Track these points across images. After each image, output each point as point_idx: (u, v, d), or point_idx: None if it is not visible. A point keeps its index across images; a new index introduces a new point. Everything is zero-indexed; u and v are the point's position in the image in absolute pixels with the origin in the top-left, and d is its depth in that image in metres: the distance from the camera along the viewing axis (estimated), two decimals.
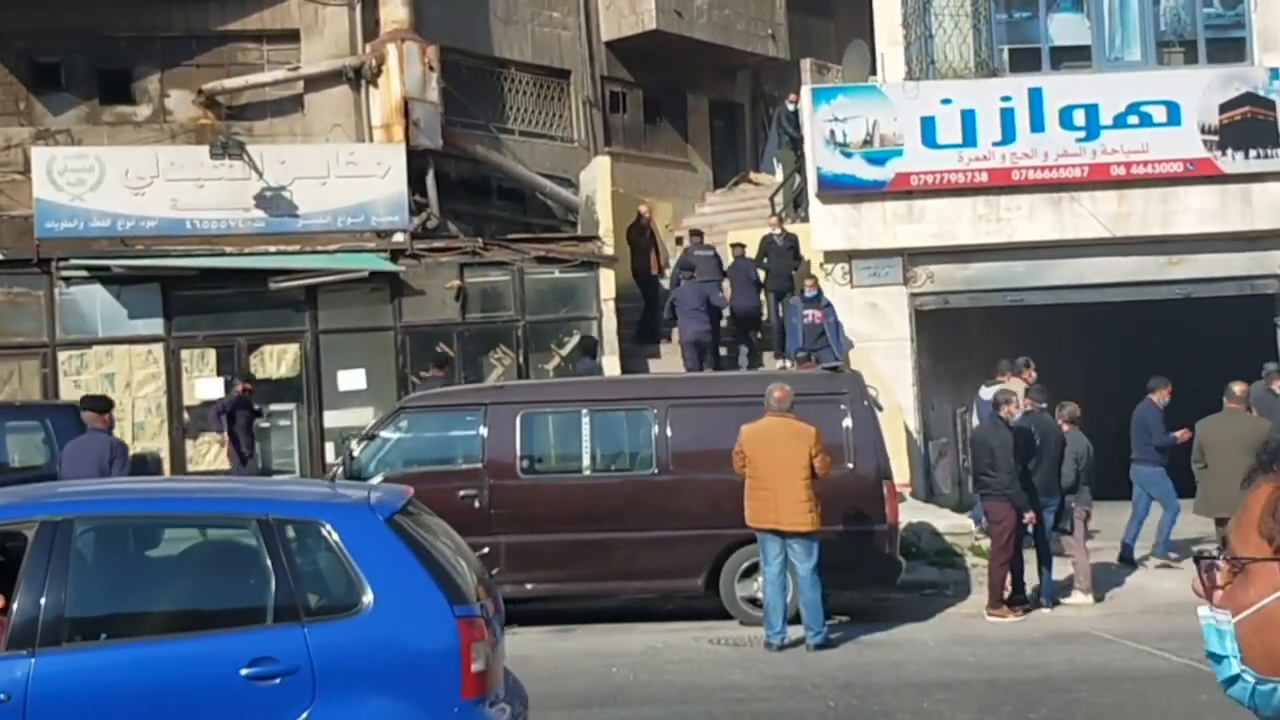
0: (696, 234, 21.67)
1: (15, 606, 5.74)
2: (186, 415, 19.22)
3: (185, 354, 19.35)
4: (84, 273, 18.86)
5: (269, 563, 5.91)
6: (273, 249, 19.48)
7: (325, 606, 6.03)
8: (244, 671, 5.69)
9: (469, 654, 5.84)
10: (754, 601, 12.54)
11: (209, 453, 19.20)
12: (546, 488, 13.37)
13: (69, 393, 18.15)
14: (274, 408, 19.70)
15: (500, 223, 22.36)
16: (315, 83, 21.26)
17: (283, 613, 5.89)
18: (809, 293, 18.08)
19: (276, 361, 19.66)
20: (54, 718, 5.59)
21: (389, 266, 19.43)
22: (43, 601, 5.70)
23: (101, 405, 12.59)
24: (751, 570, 12.63)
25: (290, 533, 6.03)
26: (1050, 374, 16.79)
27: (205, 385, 19.34)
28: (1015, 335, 20.11)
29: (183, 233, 19.18)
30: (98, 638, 5.99)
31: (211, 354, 19.48)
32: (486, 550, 12.48)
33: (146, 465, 16.60)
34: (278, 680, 5.71)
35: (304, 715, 5.71)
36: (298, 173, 19.38)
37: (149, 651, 5.88)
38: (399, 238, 19.77)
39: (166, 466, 18.36)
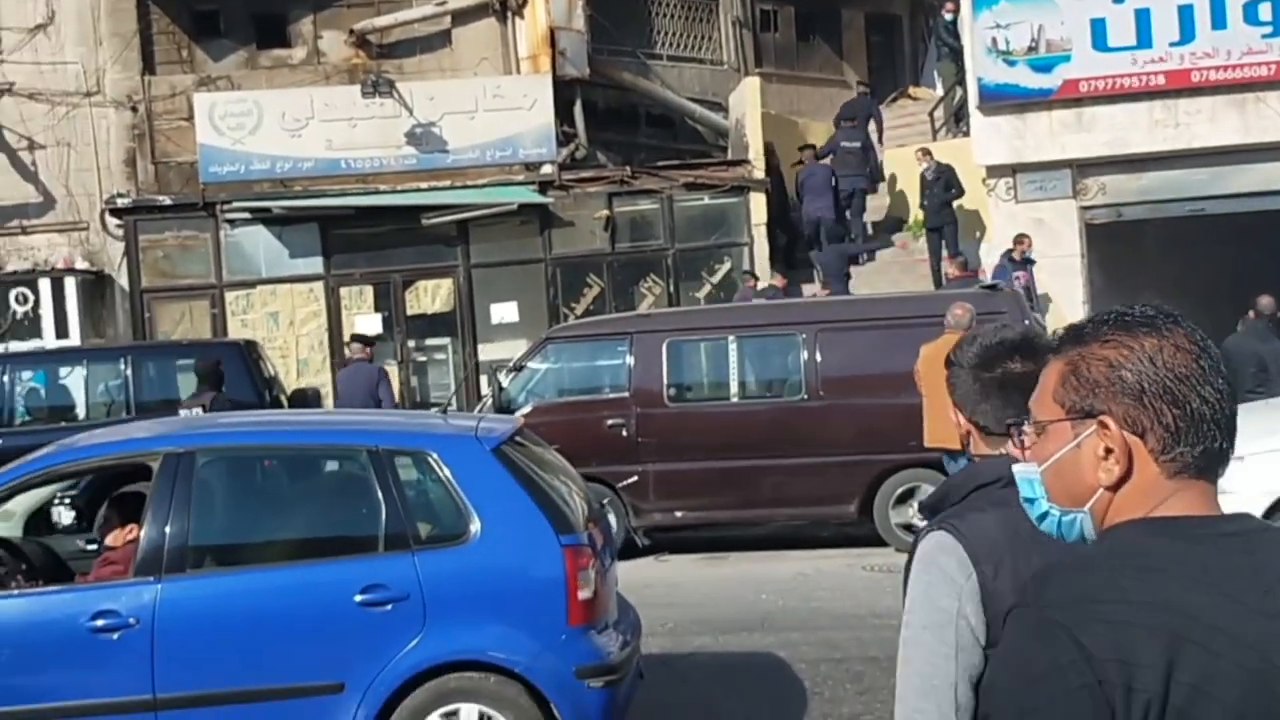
0: (849, 119, 21.29)
1: (142, 534, 6.00)
2: (347, 351, 19.62)
3: (344, 291, 19.81)
4: (246, 215, 19.38)
5: (379, 493, 6.06)
6: (424, 185, 19.75)
7: (434, 535, 6.19)
8: (357, 598, 5.89)
9: (575, 582, 5.93)
10: (908, 528, 12.34)
11: None
12: (694, 416, 13.33)
13: (236, 331, 18.79)
14: (429, 342, 20.07)
15: (649, 150, 22.20)
16: (462, 17, 21.36)
17: (393, 541, 6.06)
18: (1019, 255, 17.34)
19: (431, 296, 20.00)
20: (178, 641, 5.84)
21: (538, 199, 19.53)
22: (167, 530, 5.96)
23: (366, 339, 14.45)
24: (906, 496, 12.47)
25: (399, 463, 6.17)
26: (1236, 289, 15.94)
27: (364, 321, 19.77)
28: (1197, 248, 19.14)
29: (338, 172, 19.58)
30: (219, 564, 6.25)
31: (369, 290, 19.90)
32: (635, 479, 12.82)
33: (307, 399, 17.07)
34: (389, 606, 5.89)
35: (415, 640, 5.88)
36: (446, 108, 19.58)
37: (267, 578, 6.11)
38: (547, 169, 19.84)
39: (330, 402, 18.83)
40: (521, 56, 21.03)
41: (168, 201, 19.56)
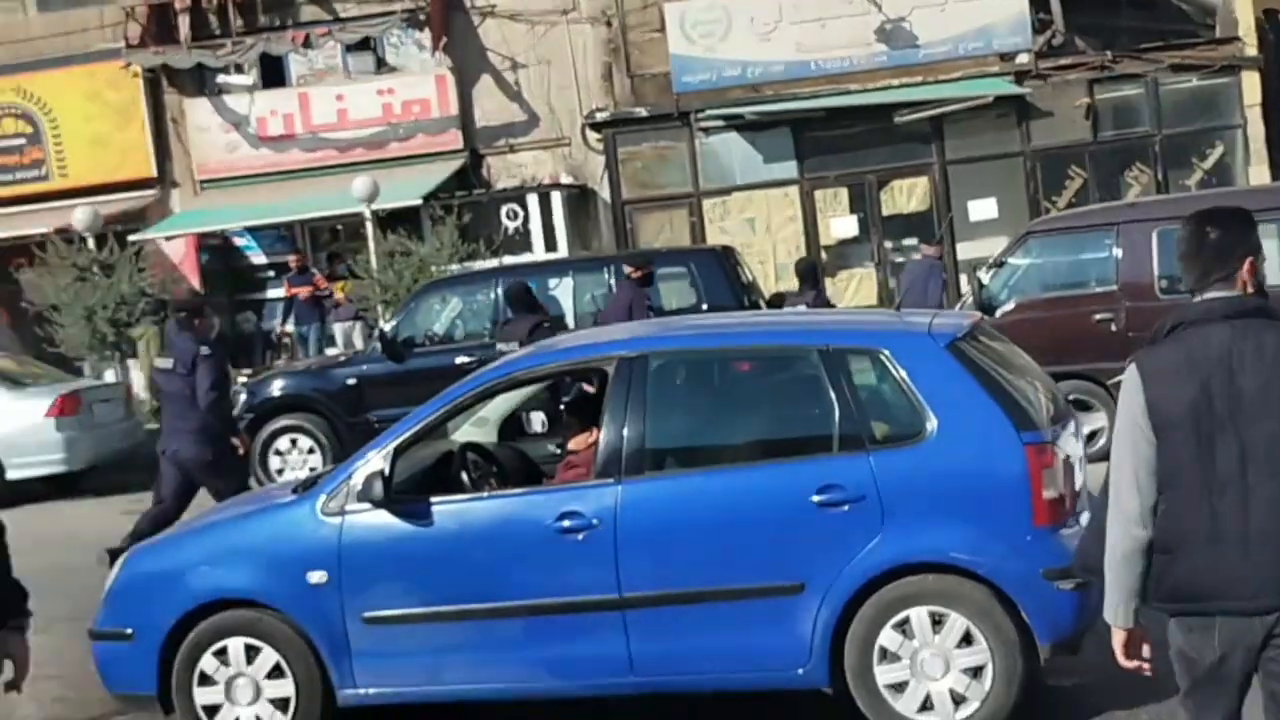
0: None
1: (600, 438, 6.03)
2: (824, 254, 19.57)
3: (819, 194, 19.68)
4: (720, 122, 19.54)
5: (831, 392, 5.84)
6: (895, 83, 19.25)
7: (889, 435, 5.91)
8: (814, 498, 5.69)
9: (1040, 481, 5.54)
10: None
11: (848, 288, 19.56)
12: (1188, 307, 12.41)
13: (715, 238, 19.05)
14: (906, 242, 19.66)
15: (1129, 33, 20.69)
16: None
17: (847, 441, 5.82)
18: None
19: (907, 196, 19.59)
20: (640, 541, 5.83)
21: (1014, 90, 18.74)
22: (624, 433, 5.94)
23: (934, 239, 15.80)
24: None
25: (851, 362, 5.92)
26: None
27: (840, 224, 19.64)
28: None
29: (808, 74, 19.39)
30: (676, 466, 6.19)
31: (844, 193, 19.70)
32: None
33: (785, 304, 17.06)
34: (846, 507, 5.66)
35: (873, 542, 5.65)
36: (916, 2, 18.98)
37: (724, 479, 5.99)
38: (1023, 59, 18.96)
39: None
40: None
41: (643, 113, 19.95)
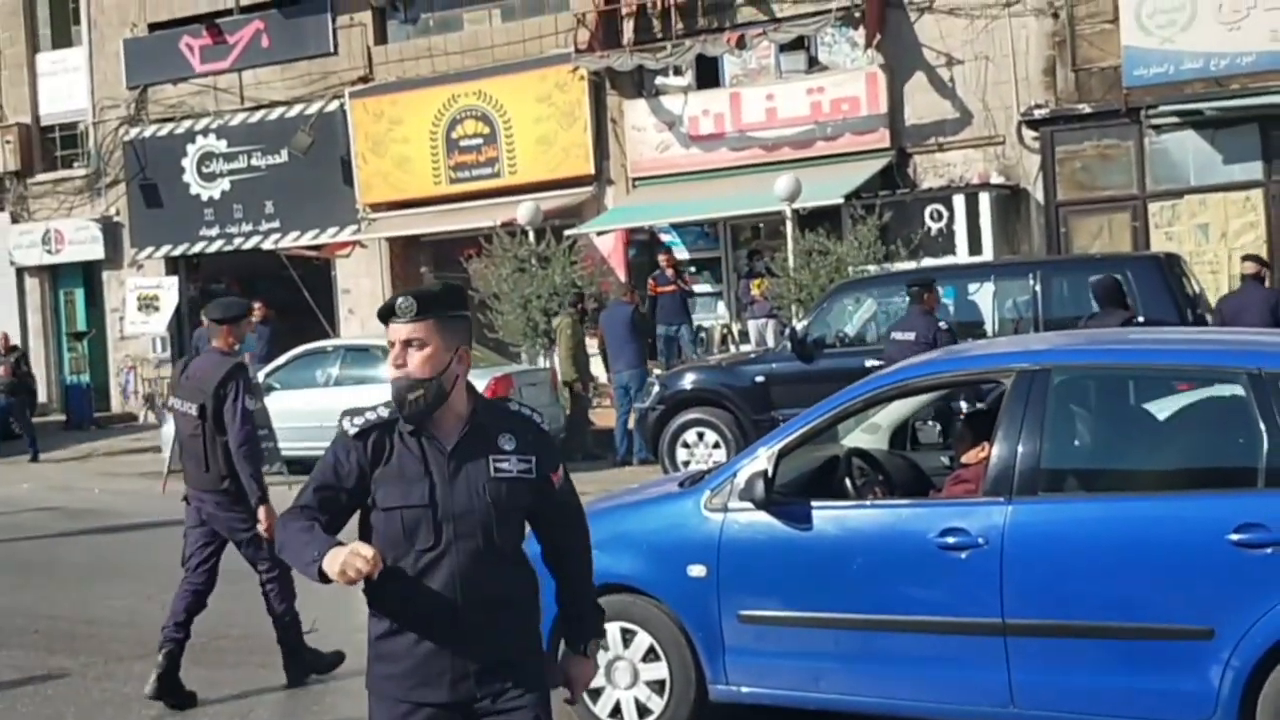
0: None
1: (992, 453, 5.97)
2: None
3: None
4: (1174, 119, 18.75)
5: (1260, 421, 5.53)
6: None
7: None
8: (1231, 537, 5.41)
9: None
10: None
11: None
12: None
13: (1159, 245, 18.34)
14: None
15: None
16: None
17: (1276, 477, 5.50)
18: None
19: None
20: (1027, 565, 5.73)
21: None
22: (1019, 450, 5.85)
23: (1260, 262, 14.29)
24: None
25: None
26: None
27: None
28: None
29: None
30: (1073, 489, 6.04)
31: None
32: None
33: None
34: (1269, 550, 5.35)
35: None
36: None
37: (1126, 507, 5.79)
38: None
39: None
40: None
41: (1087, 110, 19.49)
